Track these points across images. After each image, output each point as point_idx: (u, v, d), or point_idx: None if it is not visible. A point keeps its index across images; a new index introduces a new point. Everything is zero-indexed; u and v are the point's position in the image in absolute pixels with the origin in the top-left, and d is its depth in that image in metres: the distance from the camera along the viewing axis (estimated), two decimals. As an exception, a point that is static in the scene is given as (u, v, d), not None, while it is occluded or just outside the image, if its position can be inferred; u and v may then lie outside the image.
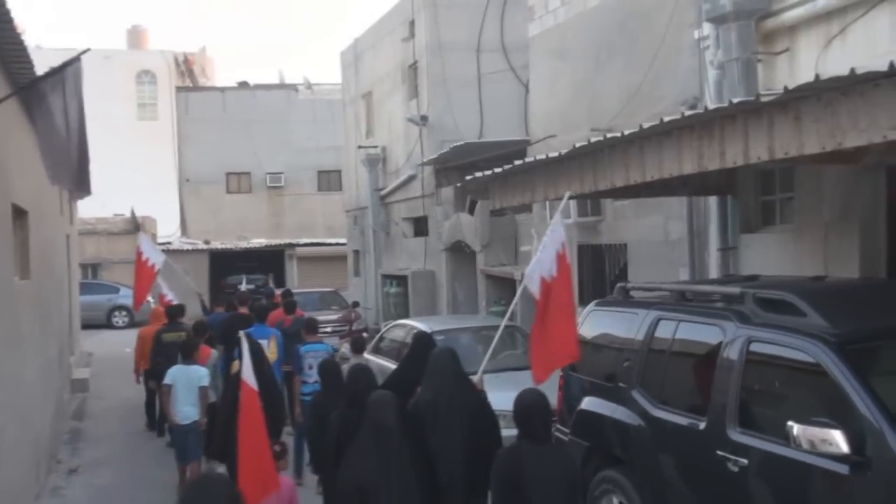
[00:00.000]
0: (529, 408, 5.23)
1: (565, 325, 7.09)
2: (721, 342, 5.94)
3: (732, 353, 5.82)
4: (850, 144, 5.12)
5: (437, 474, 5.94)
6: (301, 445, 9.70)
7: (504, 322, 8.59)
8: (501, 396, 9.88)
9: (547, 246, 7.35)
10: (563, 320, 7.10)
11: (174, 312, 12.29)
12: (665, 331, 6.59)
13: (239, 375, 6.45)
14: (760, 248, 9.91)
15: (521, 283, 8.48)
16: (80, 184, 8.53)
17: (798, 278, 7.24)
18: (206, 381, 9.35)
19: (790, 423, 4.93)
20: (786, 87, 5.18)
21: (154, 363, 11.69)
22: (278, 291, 18.21)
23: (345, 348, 13.76)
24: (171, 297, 14.28)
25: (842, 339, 5.23)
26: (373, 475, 5.42)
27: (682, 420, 6.17)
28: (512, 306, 8.67)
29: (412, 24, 20.20)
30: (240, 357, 6.50)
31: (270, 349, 10.38)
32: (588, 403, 7.31)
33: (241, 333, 6.82)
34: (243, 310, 12.62)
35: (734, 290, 6.22)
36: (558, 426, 7.68)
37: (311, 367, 9.92)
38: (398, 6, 21.31)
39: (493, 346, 8.22)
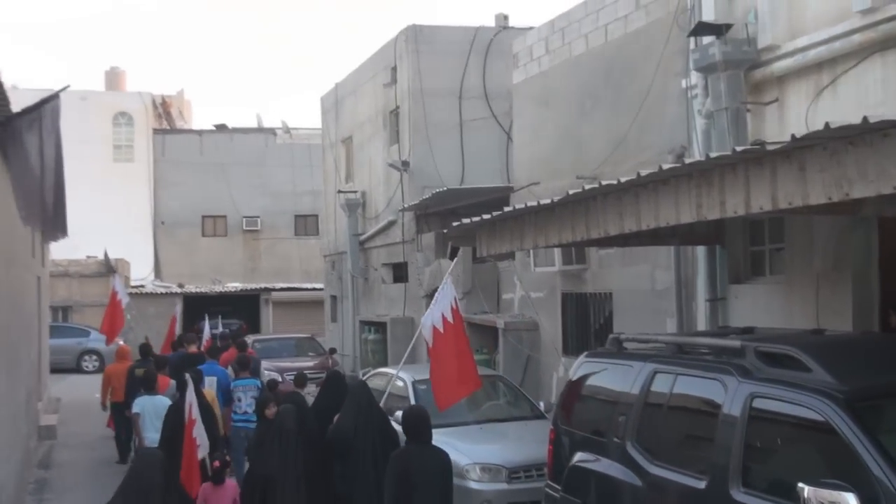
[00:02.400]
0: (416, 418, 7.08)
1: (466, 362, 8.81)
2: (722, 398, 5.73)
3: (734, 409, 5.61)
4: (857, 195, 4.99)
5: (345, 482, 7.87)
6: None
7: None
8: (487, 450, 9.66)
9: (438, 301, 8.95)
10: (463, 358, 8.81)
11: (145, 350, 13.69)
12: (662, 384, 6.38)
13: (181, 404, 8.57)
14: (750, 299, 9.77)
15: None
16: (55, 225, 8.26)
17: (797, 331, 7.07)
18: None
19: (801, 484, 4.70)
20: (793, 136, 5.04)
21: (129, 396, 12.45)
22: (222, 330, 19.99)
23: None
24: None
25: (850, 395, 5.04)
26: (274, 468, 7.60)
27: (680, 478, 5.93)
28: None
29: (394, 69, 20.17)
30: (181, 393, 8.73)
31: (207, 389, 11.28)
32: (580, 459, 7.05)
33: (188, 374, 8.90)
34: (192, 349, 13.93)
35: (734, 343, 6.03)
36: (549, 482, 7.42)
37: (239, 400, 11.44)
38: (380, 52, 21.30)
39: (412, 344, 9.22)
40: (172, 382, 11.20)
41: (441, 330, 8.74)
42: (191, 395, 8.21)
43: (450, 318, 8.74)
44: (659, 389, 6.41)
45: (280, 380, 14.35)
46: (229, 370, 12.85)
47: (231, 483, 8.04)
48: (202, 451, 8.13)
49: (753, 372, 5.66)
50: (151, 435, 10.11)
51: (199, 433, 8.11)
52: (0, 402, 9.54)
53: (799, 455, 5.40)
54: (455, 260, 8.94)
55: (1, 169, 8.85)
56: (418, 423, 7.01)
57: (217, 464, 7.92)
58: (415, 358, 18.85)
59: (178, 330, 17.47)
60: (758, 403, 5.49)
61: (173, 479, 6.75)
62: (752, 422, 5.50)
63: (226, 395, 11.75)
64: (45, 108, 7.45)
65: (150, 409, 10.32)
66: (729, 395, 5.68)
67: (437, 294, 9.20)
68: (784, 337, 6.31)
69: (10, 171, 7.69)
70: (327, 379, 10.54)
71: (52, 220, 8.05)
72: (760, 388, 5.51)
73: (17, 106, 8.08)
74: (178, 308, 18.34)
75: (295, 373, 13.14)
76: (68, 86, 7.63)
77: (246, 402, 11.36)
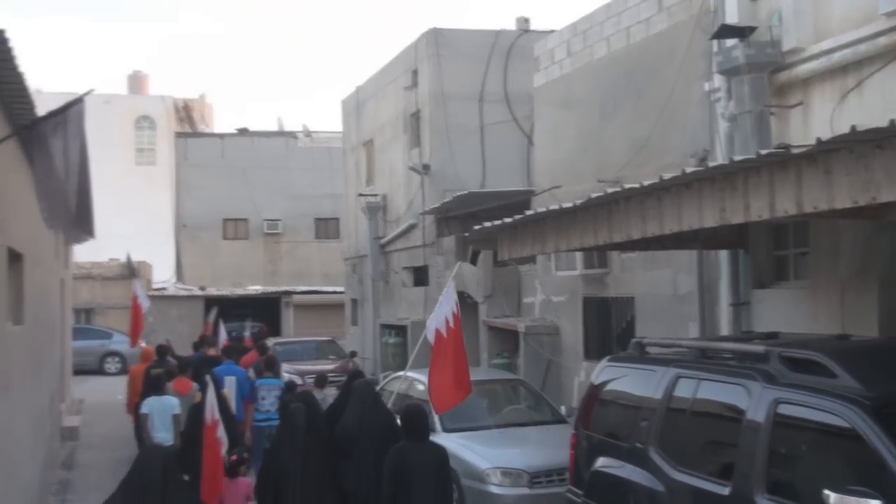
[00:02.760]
0: (414, 415, 7.31)
1: (462, 366, 8.87)
2: (746, 403, 5.68)
3: (758, 414, 5.55)
4: (885, 199, 4.94)
5: (351, 479, 8.13)
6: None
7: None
8: (508, 454, 9.62)
9: (442, 304, 9.05)
10: (460, 363, 8.86)
11: (162, 351, 13.92)
12: (685, 389, 6.33)
13: (202, 405, 8.67)
14: (773, 303, 9.68)
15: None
16: (80, 227, 8.27)
17: (822, 336, 6.99)
18: (177, 410, 10.56)
19: (826, 491, 4.65)
20: (818, 139, 5.00)
21: (144, 396, 12.30)
22: (247, 335, 20.20)
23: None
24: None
25: (877, 402, 4.98)
26: (286, 462, 7.92)
27: (704, 484, 5.89)
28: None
29: (415, 73, 20.19)
30: (204, 392, 8.86)
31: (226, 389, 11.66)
32: (602, 464, 7.01)
33: (209, 375, 9.38)
34: (212, 352, 14.27)
35: (758, 348, 5.97)
36: (570, 487, 7.38)
37: (263, 399, 11.82)
38: (401, 55, 21.33)
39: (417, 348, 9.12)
40: (194, 385, 11.46)
41: (444, 334, 8.88)
42: (211, 397, 8.38)
43: (451, 323, 8.82)
44: (682, 394, 6.36)
45: (300, 382, 14.38)
46: (250, 371, 13.03)
47: (245, 479, 8.28)
48: (222, 450, 8.26)
49: (778, 377, 5.60)
50: (161, 435, 10.32)
51: (221, 433, 8.25)
52: (24, 404, 9.62)
53: (824, 461, 5.33)
54: (458, 264, 9.19)
55: (26, 172, 8.94)
56: (416, 419, 7.26)
57: (234, 458, 8.23)
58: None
59: (222, 336, 17.60)
60: (783, 409, 5.44)
61: (175, 475, 6.83)
62: (776, 428, 5.44)
63: (245, 395, 12.04)
64: (70, 112, 7.48)
65: (159, 409, 10.59)
66: (753, 400, 5.63)
67: (441, 297, 9.32)
68: (809, 342, 6.24)
69: (34, 174, 7.73)
70: (348, 378, 10.69)
71: (78, 223, 8.07)
72: (785, 393, 5.45)
73: (41, 109, 8.15)
74: (213, 314, 18.63)
75: (315, 375, 13.39)
76: (93, 89, 7.64)
77: (269, 400, 11.74)
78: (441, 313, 9.02)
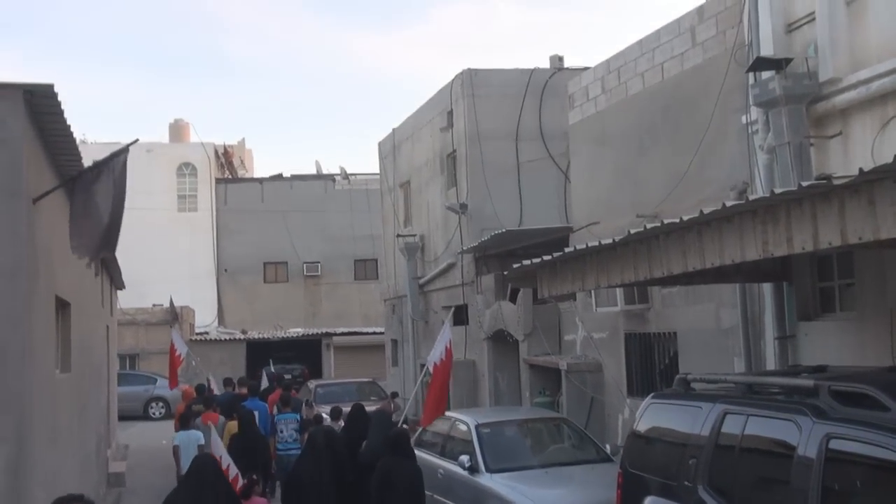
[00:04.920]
0: (398, 437, 9.32)
1: (443, 394, 11.38)
2: (796, 439, 5.58)
3: (809, 450, 5.45)
4: (931, 228, 4.86)
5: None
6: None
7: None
8: (553, 494, 9.51)
9: (438, 343, 11.80)
10: (442, 391, 11.25)
11: (201, 390, 16.34)
12: (733, 426, 6.24)
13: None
14: (820, 336, 9.53)
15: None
16: (104, 247, 8.27)
17: (874, 369, 6.86)
18: (202, 441, 12.08)
19: (883, 529, 4.54)
20: (861, 170, 4.95)
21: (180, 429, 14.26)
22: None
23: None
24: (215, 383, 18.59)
25: (933, 435, 4.86)
26: (307, 473, 9.78)
27: (756, 523, 5.77)
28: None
29: (450, 113, 20.34)
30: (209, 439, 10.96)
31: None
32: (650, 503, 6.90)
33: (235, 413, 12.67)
34: (243, 390, 16.50)
35: (807, 382, 5.87)
36: (618, 528, 7.27)
37: (282, 431, 13.71)
38: (436, 96, 21.52)
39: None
40: (221, 418, 13.29)
41: (438, 365, 11.26)
42: (214, 438, 10.29)
43: (443, 357, 11.30)
44: (730, 431, 6.26)
45: (325, 416, 14.87)
46: (274, 408, 14.72)
47: (261, 499, 9.02)
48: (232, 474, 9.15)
49: (828, 412, 5.50)
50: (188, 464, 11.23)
51: (228, 462, 9.29)
52: (71, 449, 9.73)
53: (879, 497, 5.21)
54: (451, 310, 12.34)
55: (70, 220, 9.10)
56: (399, 440, 9.25)
57: (246, 482, 8.95)
58: (476, 401, 18.82)
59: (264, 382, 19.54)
60: (834, 444, 5.33)
61: (224, 479, 8.16)
62: (828, 464, 5.34)
63: (267, 427, 14.02)
64: (115, 162, 7.64)
65: (186, 441, 12.34)
66: (804, 436, 5.53)
67: (438, 336, 12.15)
68: (859, 375, 6.12)
69: (71, 207, 7.90)
70: (351, 411, 12.22)
71: (102, 244, 8.13)
72: (837, 428, 5.35)
73: (86, 160, 8.35)
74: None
75: (331, 408, 14.80)
76: (137, 139, 7.83)
77: (287, 432, 13.71)
78: (437, 350, 11.46)
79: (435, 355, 11.61)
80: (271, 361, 27.87)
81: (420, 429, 13.42)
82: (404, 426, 11.58)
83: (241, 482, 8.92)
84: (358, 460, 10.48)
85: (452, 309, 12.77)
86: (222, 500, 7.68)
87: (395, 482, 8.80)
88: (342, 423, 12.77)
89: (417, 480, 9.02)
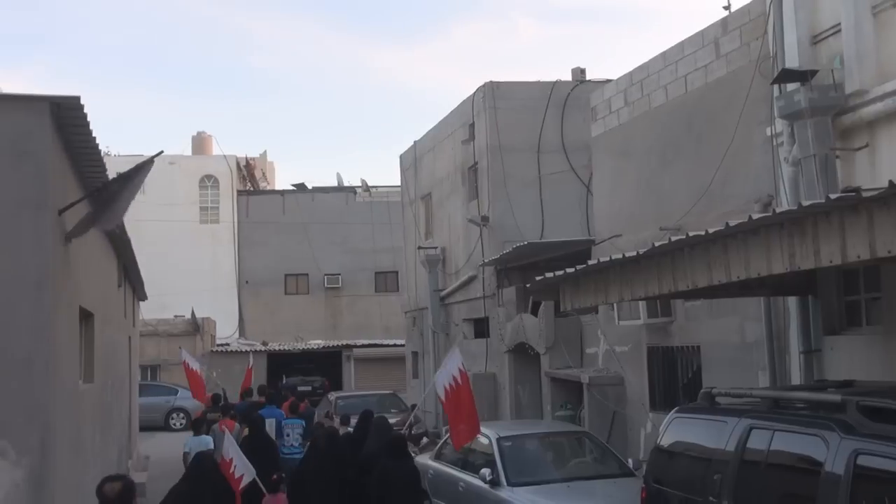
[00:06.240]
0: (396, 440, 10.26)
1: (471, 412, 10.98)
2: (823, 455, 5.50)
3: (837, 466, 5.37)
4: (962, 241, 4.79)
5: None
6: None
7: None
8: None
9: (447, 364, 11.43)
10: (470, 410, 10.99)
11: (216, 399, 17.59)
12: (759, 441, 6.16)
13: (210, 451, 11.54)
14: (846, 350, 9.42)
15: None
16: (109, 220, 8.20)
17: (902, 384, 6.76)
18: (210, 446, 12.67)
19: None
20: (891, 182, 4.89)
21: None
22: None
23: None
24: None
25: (964, 453, 4.77)
26: (310, 474, 10.41)
27: (782, 540, 5.69)
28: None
29: (472, 126, 20.35)
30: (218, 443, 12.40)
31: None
32: (675, 519, 6.82)
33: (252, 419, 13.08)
34: (261, 399, 17.25)
35: (834, 397, 5.79)
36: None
37: (288, 435, 14.46)
38: (458, 109, 21.54)
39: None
40: (237, 426, 13.92)
41: (454, 388, 11.11)
42: (228, 440, 10.47)
43: (458, 380, 11.11)
44: (755, 446, 6.18)
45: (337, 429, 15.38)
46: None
47: (282, 494, 10.22)
48: (246, 479, 9.70)
49: (856, 427, 5.42)
50: None
51: (241, 465, 9.71)
52: (93, 460, 9.76)
53: (910, 516, 5.12)
54: (456, 343, 12.35)
55: (95, 233, 9.17)
56: (398, 444, 10.14)
57: (275, 477, 10.20)
58: (497, 414, 18.73)
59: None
60: (862, 461, 5.26)
61: (220, 475, 8.98)
62: (856, 480, 5.26)
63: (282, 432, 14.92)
64: (139, 174, 7.67)
65: (196, 447, 12.69)
66: (831, 451, 5.45)
67: (444, 359, 11.93)
68: (887, 390, 6.04)
69: (103, 234, 7.93)
70: (361, 416, 13.23)
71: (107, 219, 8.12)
72: (865, 444, 5.27)
73: (111, 172, 8.39)
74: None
75: (340, 415, 16.57)
76: (161, 152, 7.86)
77: (293, 436, 14.49)
78: (447, 372, 11.23)
79: (446, 379, 11.12)
80: (284, 377, 29.26)
81: (441, 441, 13.39)
82: (409, 432, 12.69)
83: (245, 482, 9.66)
84: (358, 461, 11.07)
85: (456, 347, 12.55)
86: (219, 493, 8.59)
87: (394, 481, 9.57)
88: (350, 429, 13.66)
89: (415, 478, 9.88)
